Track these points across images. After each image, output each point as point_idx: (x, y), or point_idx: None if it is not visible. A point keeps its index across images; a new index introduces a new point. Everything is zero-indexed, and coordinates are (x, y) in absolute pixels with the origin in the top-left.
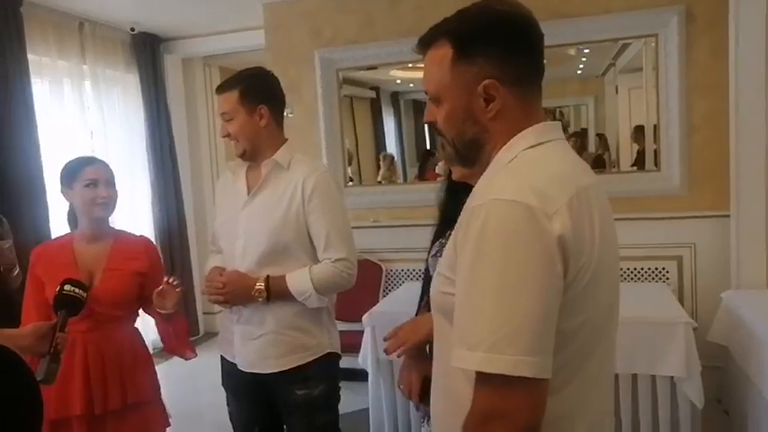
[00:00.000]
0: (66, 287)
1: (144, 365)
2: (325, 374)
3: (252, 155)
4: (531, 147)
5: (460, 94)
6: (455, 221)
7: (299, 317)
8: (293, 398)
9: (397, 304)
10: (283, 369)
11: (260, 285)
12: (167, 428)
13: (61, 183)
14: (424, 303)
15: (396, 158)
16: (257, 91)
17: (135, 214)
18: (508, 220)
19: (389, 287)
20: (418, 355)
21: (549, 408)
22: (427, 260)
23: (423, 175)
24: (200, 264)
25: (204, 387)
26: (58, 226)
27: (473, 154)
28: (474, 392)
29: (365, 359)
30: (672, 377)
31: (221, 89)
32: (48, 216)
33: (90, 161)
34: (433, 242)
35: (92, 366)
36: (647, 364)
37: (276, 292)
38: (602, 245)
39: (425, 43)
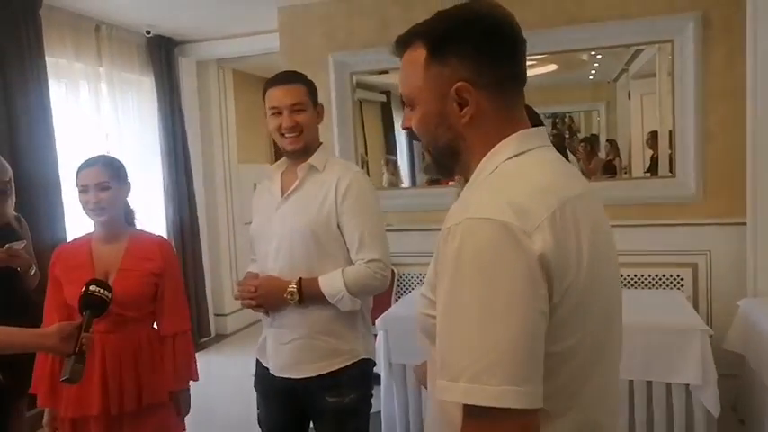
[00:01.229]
0: (92, 287)
1: (161, 367)
2: (358, 382)
3: (305, 151)
4: (513, 156)
5: (433, 97)
6: None
7: (332, 322)
8: (324, 404)
9: (410, 308)
10: (315, 375)
11: (292, 287)
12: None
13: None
14: None
15: (399, 163)
16: (314, 89)
17: (148, 214)
18: (485, 240)
19: (402, 291)
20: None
21: None
22: None
23: (435, 180)
24: (211, 264)
25: (216, 388)
26: (74, 226)
27: (449, 162)
28: (462, 424)
29: (377, 363)
30: (687, 385)
31: (286, 81)
32: (63, 216)
33: (86, 165)
34: None
35: (109, 367)
36: (663, 372)
37: (308, 294)
38: (592, 259)
39: (402, 45)
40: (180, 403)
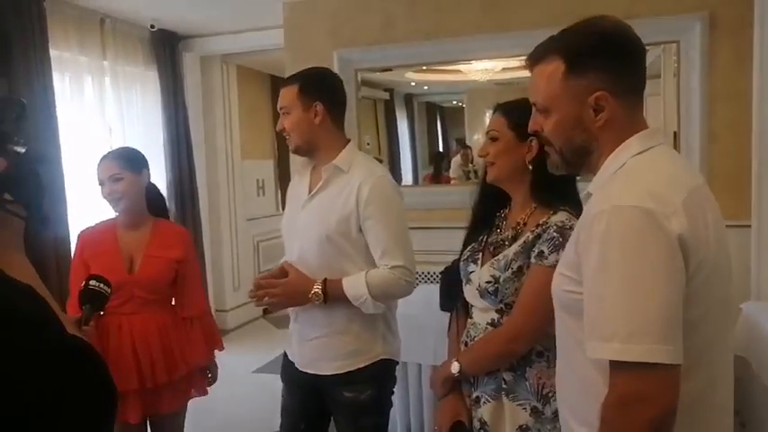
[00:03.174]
0: (92, 282)
1: (188, 344)
2: (376, 380)
3: (306, 151)
4: (639, 153)
5: (571, 104)
6: (486, 227)
7: (352, 322)
8: (341, 398)
9: (412, 307)
10: (335, 373)
11: (317, 288)
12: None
13: None
14: (461, 304)
15: (402, 160)
16: (315, 87)
17: None
18: (631, 224)
19: None
20: (452, 396)
21: (687, 388)
22: (457, 263)
23: (437, 178)
24: (213, 260)
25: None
26: (77, 220)
27: (580, 160)
28: (611, 380)
29: None
30: None
31: (285, 82)
32: (66, 210)
33: (101, 160)
34: (464, 247)
35: (138, 347)
36: None
37: (333, 296)
38: (716, 238)
39: (535, 59)
40: (210, 372)
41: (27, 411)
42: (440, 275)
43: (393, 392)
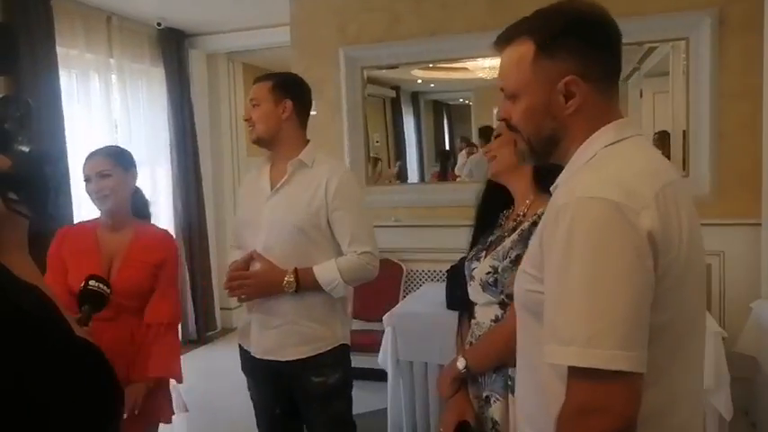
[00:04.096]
0: (92, 282)
1: (146, 352)
2: (340, 364)
3: (267, 142)
4: (612, 143)
5: (540, 90)
6: (491, 226)
7: (315, 308)
8: (309, 385)
9: (418, 305)
10: (300, 357)
11: (290, 278)
12: (176, 416)
13: None
14: (467, 307)
15: (408, 158)
16: (288, 86)
17: (156, 206)
18: (597, 217)
19: (410, 287)
20: (458, 396)
21: (643, 403)
22: (462, 262)
23: (444, 175)
24: (218, 256)
25: (221, 380)
26: (82, 217)
27: (549, 149)
28: (568, 387)
29: (384, 359)
30: None
31: (258, 79)
32: (71, 206)
33: (88, 156)
34: (471, 247)
35: (110, 354)
36: None
37: (305, 284)
38: (690, 237)
39: (504, 40)
40: (164, 395)
41: (36, 412)
42: (446, 274)
43: (352, 378)
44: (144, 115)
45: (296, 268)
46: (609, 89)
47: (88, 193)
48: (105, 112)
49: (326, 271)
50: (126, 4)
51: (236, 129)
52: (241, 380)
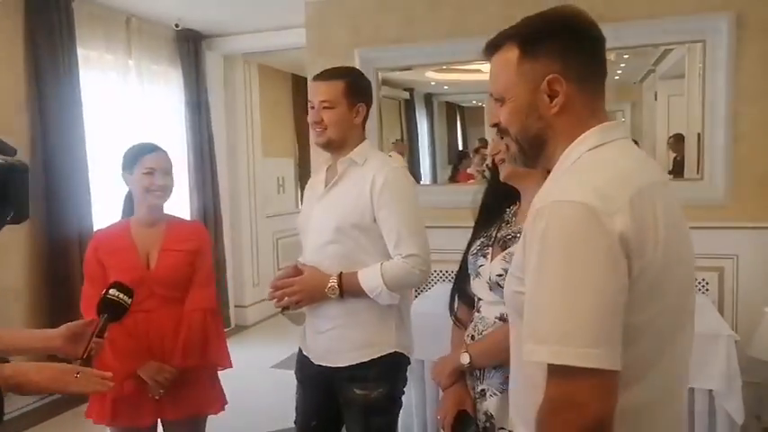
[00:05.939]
0: (111, 291)
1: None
2: (388, 376)
3: (337, 147)
4: (595, 147)
5: (525, 90)
6: (495, 221)
7: (366, 313)
8: (351, 395)
9: (430, 305)
10: (347, 364)
11: (333, 282)
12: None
13: (123, 167)
14: (465, 299)
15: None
16: (361, 89)
17: (173, 205)
18: (569, 220)
19: (421, 288)
20: (456, 386)
21: (623, 401)
22: (465, 257)
23: (455, 177)
24: (233, 255)
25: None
26: (101, 215)
27: (536, 151)
28: (546, 384)
29: None
30: (711, 391)
31: (324, 77)
32: (90, 204)
33: (151, 149)
34: (472, 240)
35: (154, 347)
36: None
37: (348, 289)
38: (668, 239)
39: (493, 47)
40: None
41: None
42: (457, 271)
43: (403, 393)
44: (161, 115)
45: (341, 273)
46: (594, 92)
47: (147, 185)
48: (124, 112)
49: (370, 276)
50: (145, 5)
51: (252, 129)
52: (255, 378)
